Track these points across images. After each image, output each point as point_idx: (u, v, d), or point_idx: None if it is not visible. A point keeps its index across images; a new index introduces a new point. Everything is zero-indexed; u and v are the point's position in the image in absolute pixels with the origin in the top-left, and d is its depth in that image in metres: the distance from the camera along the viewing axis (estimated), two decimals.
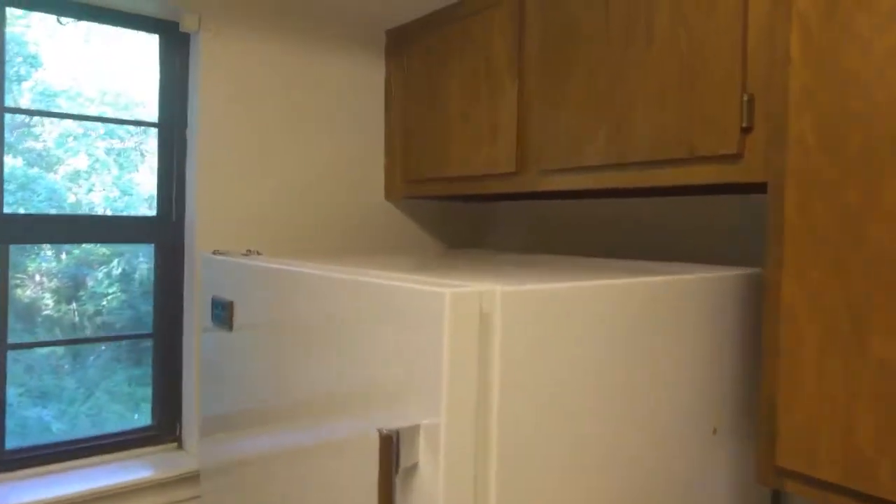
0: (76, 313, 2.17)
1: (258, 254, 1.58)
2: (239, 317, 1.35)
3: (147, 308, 1.79)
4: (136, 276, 2.15)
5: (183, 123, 1.74)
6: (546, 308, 0.93)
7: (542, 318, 0.93)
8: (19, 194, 1.97)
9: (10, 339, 1.56)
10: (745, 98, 1.18)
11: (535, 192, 1.59)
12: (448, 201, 2.14)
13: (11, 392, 1.57)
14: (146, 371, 1.78)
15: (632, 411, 1.04)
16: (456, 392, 0.85)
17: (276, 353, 1.21)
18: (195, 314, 1.68)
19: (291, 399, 1.16)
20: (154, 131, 1.75)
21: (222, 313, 1.39)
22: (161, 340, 1.74)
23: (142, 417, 1.88)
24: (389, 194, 2.02)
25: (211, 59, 1.70)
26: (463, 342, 0.86)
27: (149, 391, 1.75)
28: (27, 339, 1.97)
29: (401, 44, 1.98)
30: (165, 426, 1.74)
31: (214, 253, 1.57)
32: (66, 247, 2.12)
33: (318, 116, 1.88)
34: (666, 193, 1.57)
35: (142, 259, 2.09)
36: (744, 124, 1.18)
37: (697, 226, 1.63)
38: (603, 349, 1.00)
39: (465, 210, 2.23)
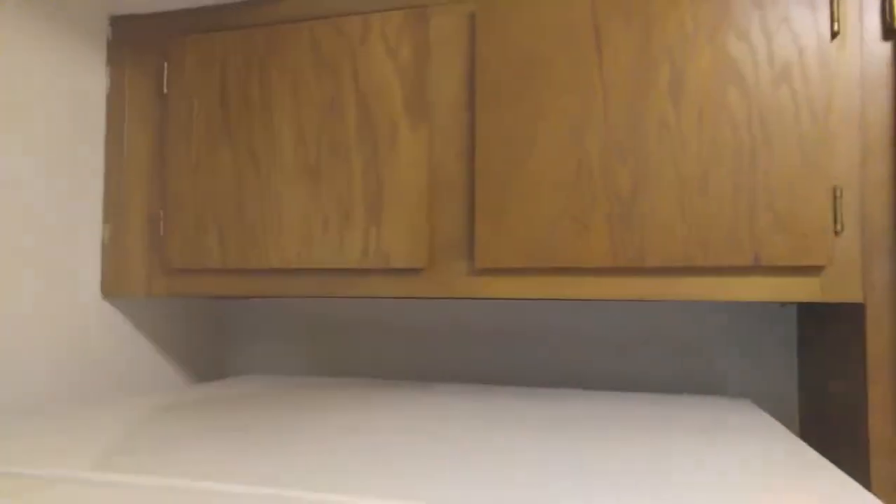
0: None
1: None
2: None
3: None
4: None
5: None
6: None
7: None
8: None
9: None
10: (836, 192, 0.88)
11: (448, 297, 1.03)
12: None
13: None
14: None
15: None
16: None
17: None
18: None
19: None
20: None
21: None
22: None
23: None
24: (118, 287, 1.17)
25: None
26: None
27: None
28: None
29: (144, 40, 1.18)
30: None
31: None
32: None
33: None
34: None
35: None
36: (836, 227, 0.88)
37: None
38: None
39: (213, 305, 1.47)
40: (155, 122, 1.18)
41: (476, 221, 1.00)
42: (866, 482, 0.87)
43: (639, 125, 0.95)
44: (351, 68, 1.07)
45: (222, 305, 1.53)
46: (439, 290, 1.03)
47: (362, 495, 0.51)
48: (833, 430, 1.02)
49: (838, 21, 0.90)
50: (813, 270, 0.90)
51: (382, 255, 1.04)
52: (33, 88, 1.04)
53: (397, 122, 1.04)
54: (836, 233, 0.89)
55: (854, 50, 0.90)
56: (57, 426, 0.79)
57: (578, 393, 1.13)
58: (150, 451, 0.66)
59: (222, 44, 1.13)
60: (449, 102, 1.04)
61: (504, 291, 1.00)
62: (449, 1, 1.05)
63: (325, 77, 1.08)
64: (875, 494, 0.85)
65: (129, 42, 1.19)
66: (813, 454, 0.69)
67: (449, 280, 1.02)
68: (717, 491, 0.55)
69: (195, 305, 1.43)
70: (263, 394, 1.07)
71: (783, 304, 1.24)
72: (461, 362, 1.38)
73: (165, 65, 1.17)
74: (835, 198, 0.89)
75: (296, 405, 0.95)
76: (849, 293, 0.88)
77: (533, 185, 0.98)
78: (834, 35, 0.90)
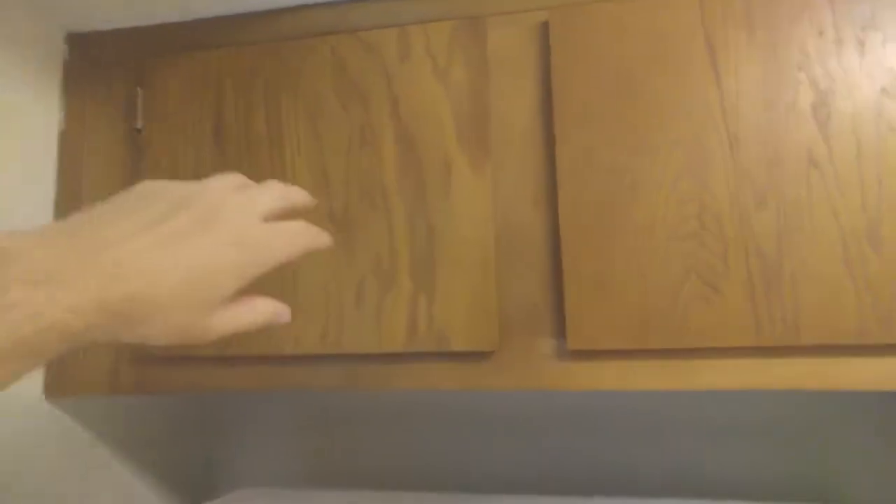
0: None
1: None
2: None
3: None
4: None
5: None
6: None
7: None
8: None
9: None
10: None
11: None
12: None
13: None
14: None
15: None
16: None
17: None
18: None
19: None
20: None
21: None
22: None
23: None
24: (69, 384, 0.88)
25: None
26: None
27: None
28: None
29: (112, 61, 0.92)
30: None
31: None
32: None
33: None
34: None
35: None
36: None
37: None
38: None
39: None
40: (126, 166, 0.91)
41: (565, 287, 0.75)
42: None
43: (777, 161, 0.72)
44: (387, 93, 0.83)
45: (211, 394, 1.23)
46: (517, 381, 0.76)
47: None
48: None
49: None
50: None
51: (437, 333, 0.77)
52: None
53: (451, 159, 0.80)
54: None
55: None
56: None
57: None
58: None
59: (217, 64, 0.89)
60: (519, 133, 0.80)
61: (608, 381, 0.74)
62: (513, 10, 0.82)
63: (353, 104, 0.84)
64: None
65: (91, 64, 0.93)
66: None
67: (529, 366, 0.76)
68: None
69: (176, 399, 1.13)
70: None
71: None
72: (514, 462, 1.10)
73: (140, 91, 0.91)
74: None
75: None
76: None
77: (642, 237, 0.74)
78: None
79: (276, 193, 0.46)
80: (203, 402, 1.22)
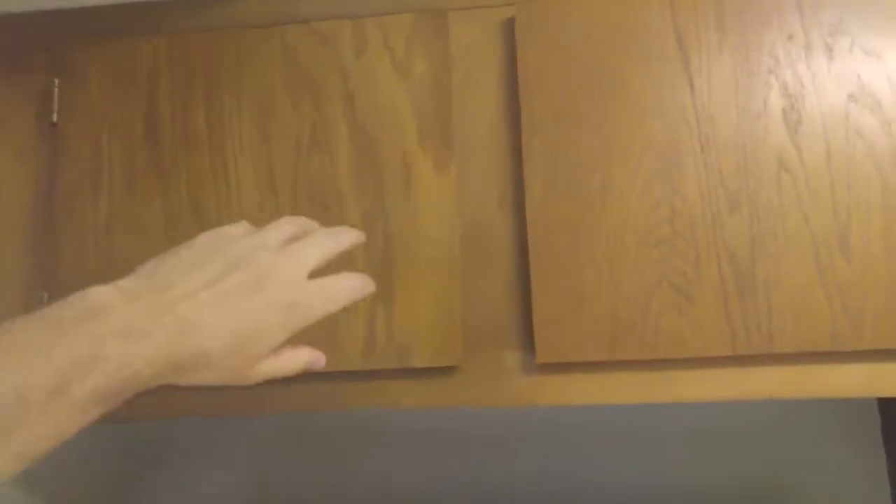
0: None
1: None
2: None
3: None
4: None
5: None
6: None
7: None
8: None
9: None
10: None
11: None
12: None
13: None
14: None
15: None
16: None
17: None
18: None
19: None
20: None
21: None
22: None
23: None
24: None
25: None
26: None
27: None
28: None
29: (21, 48, 0.83)
30: None
31: None
32: None
33: None
34: None
35: None
36: None
37: None
38: None
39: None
40: (38, 166, 0.81)
41: (533, 296, 0.71)
42: None
43: (749, 165, 0.71)
44: (342, 89, 0.77)
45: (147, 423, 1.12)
46: (482, 397, 0.71)
47: None
48: None
49: None
50: None
51: (397, 348, 0.72)
52: None
53: (412, 158, 0.75)
54: None
55: None
56: None
57: None
58: None
59: (151, 53, 0.81)
60: (484, 132, 0.76)
61: (578, 396, 0.70)
62: (478, 4, 0.78)
63: (303, 100, 0.78)
64: None
65: (1, 51, 0.83)
66: None
67: (496, 382, 0.72)
68: None
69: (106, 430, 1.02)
70: None
71: None
72: (475, 482, 1.05)
73: (56, 82, 0.81)
74: None
75: None
76: None
77: (612, 242, 0.71)
78: None
79: (326, 246, 0.50)
80: (132, 430, 1.12)
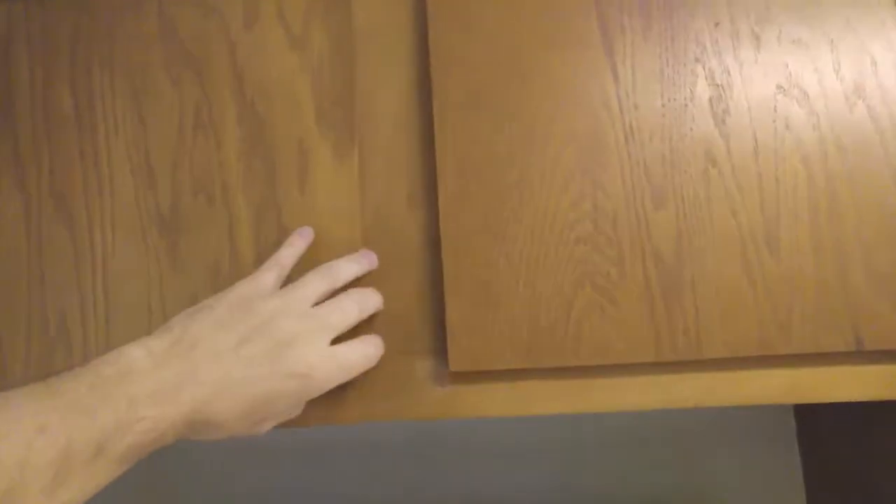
0: None
1: None
2: None
3: None
4: None
5: None
6: None
7: None
8: None
9: None
10: None
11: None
12: None
13: None
14: None
15: None
16: None
17: None
18: None
19: None
20: None
21: None
22: None
23: None
24: None
25: None
26: None
27: None
28: None
29: None
30: None
31: None
32: None
33: None
34: None
35: None
36: None
37: None
38: None
39: None
40: None
41: (447, 298, 0.64)
42: None
43: (676, 158, 0.66)
44: (229, 65, 0.68)
45: None
46: (386, 411, 0.64)
47: None
48: None
49: None
50: None
51: None
52: None
53: (309, 144, 0.67)
54: None
55: None
56: None
57: None
58: None
59: (5, 21, 0.70)
60: (391, 118, 0.68)
61: (495, 407, 0.64)
62: None
63: (185, 78, 0.68)
64: None
65: None
66: None
67: (403, 394, 0.64)
68: None
69: None
70: None
71: None
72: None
73: None
74: None
75: None
76: None
77: (530, 241, 0.65)
78: None
79: (350, 312, 0.54)
80: None
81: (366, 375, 0.62)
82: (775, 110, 0.66)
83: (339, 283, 0.56)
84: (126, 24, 0.69)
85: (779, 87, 0.67)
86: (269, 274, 0.53)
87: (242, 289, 0.52)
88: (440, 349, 0.64)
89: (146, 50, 0.69)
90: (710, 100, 0.66)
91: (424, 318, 0.65)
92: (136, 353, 0.44)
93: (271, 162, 0.66)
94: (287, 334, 0.49)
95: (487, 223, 0.65)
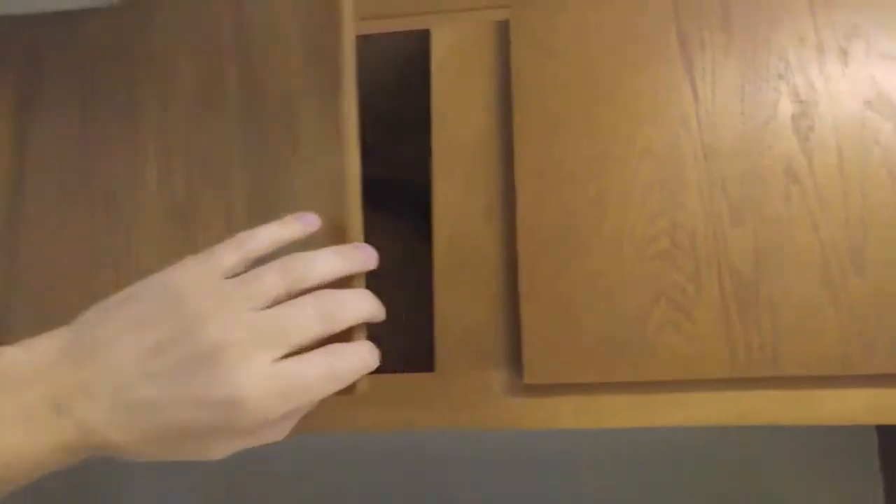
0: None
1: None
2: None
3: None
4: None
5: None
6: None
7: None
8: None
9: None
10: None
11: None
12: None
13: None
14: None
15: None
16: None
17: None
18: None
19: None
20: None
21: None
22: None
23: None
24: None
25: None
26: None
27: None
28: None
29: None
30: None
31: None
32: None
33: None
34: None
35: None
36: None
37: None
38: None
39: None
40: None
41: (522, 311, 0.66)
42: None
43: (755, 175, 0.66)
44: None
45: None
46: (457, 418, 0.67)
47: None
48: None
49: None
50: None
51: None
52: None
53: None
54: None
55: None
56: None
57: None
58: None
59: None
60: (469, 139, 0.72)
61: (566, 419, 0.66)
62: (467, 7, 0.74)
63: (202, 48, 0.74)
64: None
65: None
66: None
67: (478, 405, 0.67)
68: None
69: None
70: None
71: None
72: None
73: None
74: None
75: None
76: None
77: (608, 256, 0.67)
78: None
79: (306, 323, 0.39)
80: None
81: (439, 384, 0.66)
82: (863, 126, 0.65)
83: (309, 283, 0.40)
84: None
85: (867, 102, 0.65)
86: (229, 256, 0.40)
87: (184, 272, 0.39)
88: (515, 362, 0.67)
89: (178, 25, 0.75)
90: (793, 116, 0.66)
91: (499, 330, 0.68)
92: (13, 358, 0.35)
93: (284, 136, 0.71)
94: (211, 346, 0.36)
95: (565, 238, 0.67)
